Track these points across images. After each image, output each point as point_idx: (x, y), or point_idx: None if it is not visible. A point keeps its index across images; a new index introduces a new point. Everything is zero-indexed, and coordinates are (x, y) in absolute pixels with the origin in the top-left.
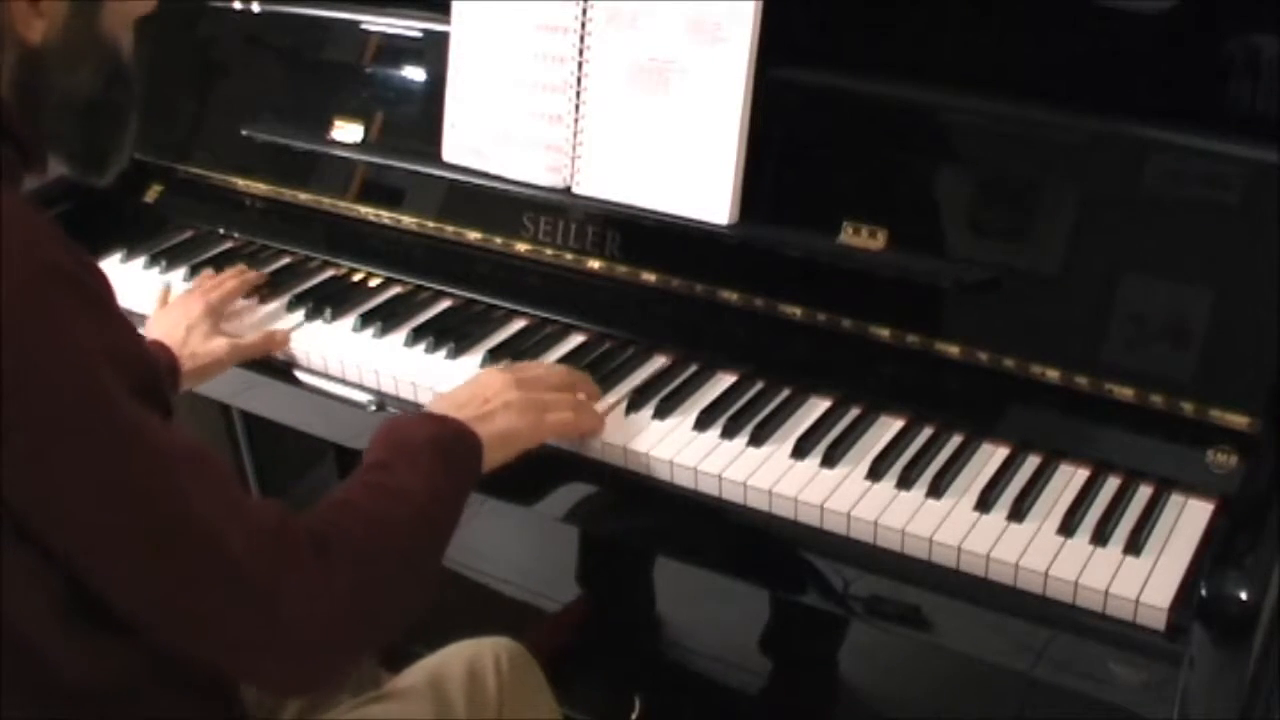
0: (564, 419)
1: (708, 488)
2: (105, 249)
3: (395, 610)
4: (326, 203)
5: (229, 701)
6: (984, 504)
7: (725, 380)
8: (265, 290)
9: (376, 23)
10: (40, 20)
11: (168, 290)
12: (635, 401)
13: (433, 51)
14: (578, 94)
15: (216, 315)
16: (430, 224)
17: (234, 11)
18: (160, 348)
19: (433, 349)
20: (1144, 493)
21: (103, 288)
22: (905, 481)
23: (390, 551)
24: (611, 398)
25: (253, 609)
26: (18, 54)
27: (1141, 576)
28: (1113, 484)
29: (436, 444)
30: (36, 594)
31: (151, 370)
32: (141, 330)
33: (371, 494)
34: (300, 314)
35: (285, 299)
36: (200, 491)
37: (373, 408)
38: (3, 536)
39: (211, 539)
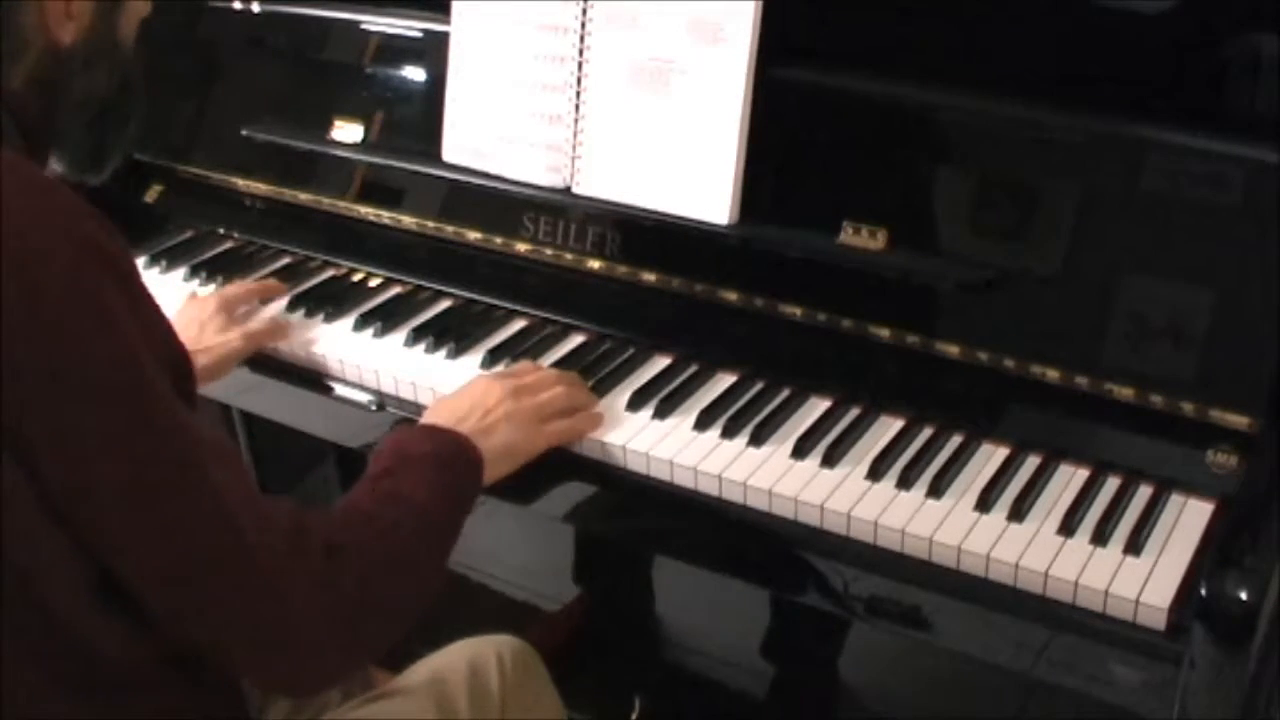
0: (561, 429)
1: (708, 488)
2: None
3: (396, 616)
4: (326, 203)
5: (235, 692)
6: (984, 504)
7: (725, 380)
8: None
9: (376, 23)
10: (71, 22)
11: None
12: (635, 401)
13: (433, 51)
14: (578, 94)
15: (230, 310)
16: (430, 224)
17: (234, 11)
18: None
19: (433, 349)
20: (1144, 493)
21: (133, 266)
22: (905, 481)
23: (396, 558)
24: (610, 399)
25: (263, 601)
26: (45, 53)
27: (1141, 577)
28: (1113, 484)
29: (440, 459)
30: (73, 574)
31: (181, 358)
32: None
33: (379, 502)
34: (300, 314)
35: (285, 299)
36: (226, 483)
37: (373, 408)
38: (40, 519)
39: (233, 529)
